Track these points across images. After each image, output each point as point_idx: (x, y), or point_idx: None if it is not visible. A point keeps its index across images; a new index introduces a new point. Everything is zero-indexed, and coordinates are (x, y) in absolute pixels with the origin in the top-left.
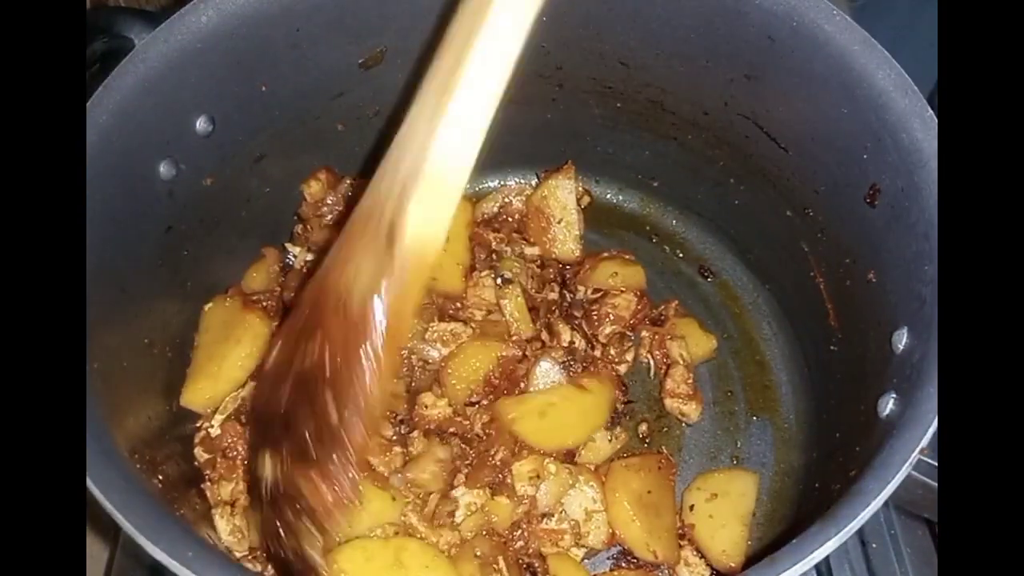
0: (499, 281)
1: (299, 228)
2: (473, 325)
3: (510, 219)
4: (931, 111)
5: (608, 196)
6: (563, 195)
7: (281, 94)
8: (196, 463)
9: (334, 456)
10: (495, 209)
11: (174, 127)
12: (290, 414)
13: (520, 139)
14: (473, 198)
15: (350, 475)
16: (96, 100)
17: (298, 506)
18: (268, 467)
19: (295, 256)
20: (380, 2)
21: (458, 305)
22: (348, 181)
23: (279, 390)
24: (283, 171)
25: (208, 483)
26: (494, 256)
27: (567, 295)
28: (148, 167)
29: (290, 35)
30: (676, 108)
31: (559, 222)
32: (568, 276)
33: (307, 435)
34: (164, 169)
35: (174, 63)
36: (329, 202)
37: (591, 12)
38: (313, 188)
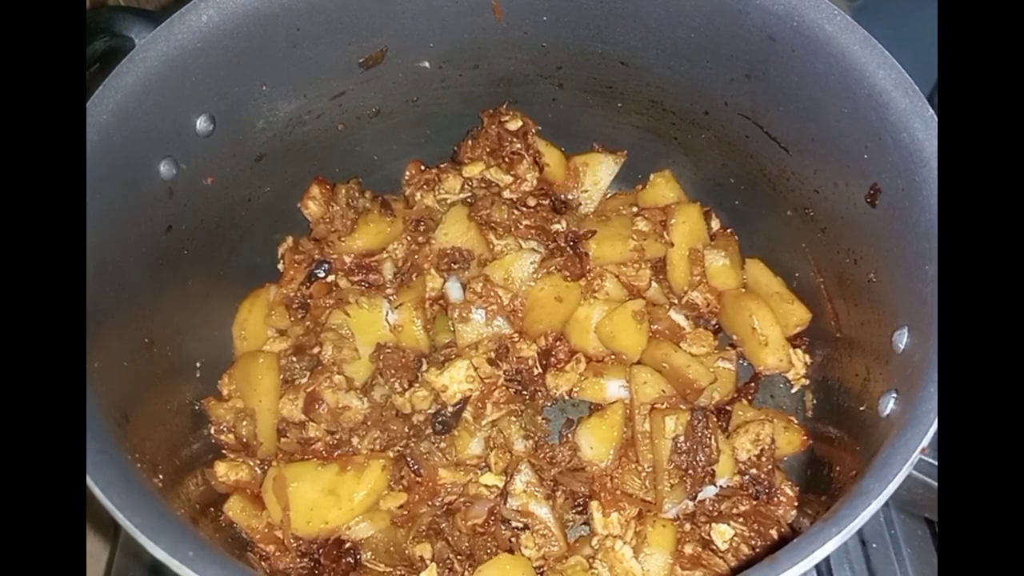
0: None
1: (316, 253)
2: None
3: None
4: (931, 111)
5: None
6: (603, 172)
7: (281, 93)
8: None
9: None
10: None
11: (174, 126)
12: None
13: None
14: None
15: None
16: (96, 99)
17: None
18: None
19: (323, 272)
20: (380, 1)
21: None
22: (344, 189)
23: None
24: (283, 171)
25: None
26: None
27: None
28: (148, 166)
29: (290, 34)
30: (676, 108)
31: (584, 191)
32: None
33: None
34: (164, 168)
35: (174, 62)
36: (335, 213)
37: (591, 12)
38: (312, 208)
